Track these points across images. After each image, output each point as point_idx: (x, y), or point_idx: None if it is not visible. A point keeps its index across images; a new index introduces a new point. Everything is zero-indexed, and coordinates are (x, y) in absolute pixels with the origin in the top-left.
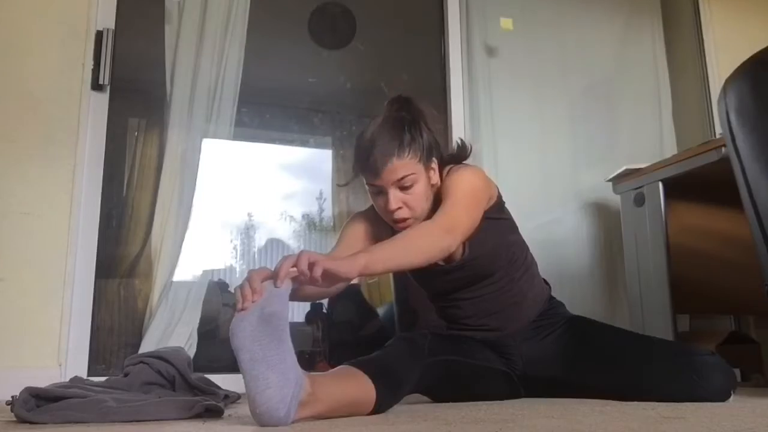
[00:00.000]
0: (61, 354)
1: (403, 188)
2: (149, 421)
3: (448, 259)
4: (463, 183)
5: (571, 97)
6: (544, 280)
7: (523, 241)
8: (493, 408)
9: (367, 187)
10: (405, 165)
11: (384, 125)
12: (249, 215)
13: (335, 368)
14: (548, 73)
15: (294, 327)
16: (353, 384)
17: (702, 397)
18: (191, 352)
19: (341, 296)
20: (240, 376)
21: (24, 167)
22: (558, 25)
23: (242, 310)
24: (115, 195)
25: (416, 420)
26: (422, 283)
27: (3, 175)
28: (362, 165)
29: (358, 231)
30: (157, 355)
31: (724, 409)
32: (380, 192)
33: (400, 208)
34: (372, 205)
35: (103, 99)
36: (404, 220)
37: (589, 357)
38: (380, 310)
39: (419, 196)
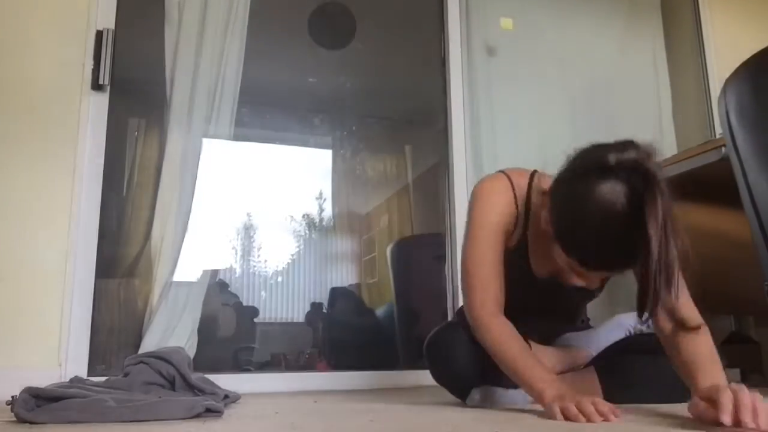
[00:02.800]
0: (61, 354)
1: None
2: (149, 421)
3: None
4: None
5: (571, 97)
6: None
7: None
8: (493, 408)
9: (572, 265)
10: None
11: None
12: (249, 215)
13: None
14: (548, 73)
15: (294, 327)
16: None
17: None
18: (191, 352)
19: (340, 297)
20: (238, 376)
21: (24, 167)
22: (558, 25)
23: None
24: (115, 195)
25: (417, 419)
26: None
27: (3, 175)
28: (598, 264)
29: (501, 231)
30: (157, 355)
31: None
32: (582, 277)
33: (590, 283)
34: (502, 182)
35: (103, 99)
36: (584, 286)
37: None
38: (380, 311)
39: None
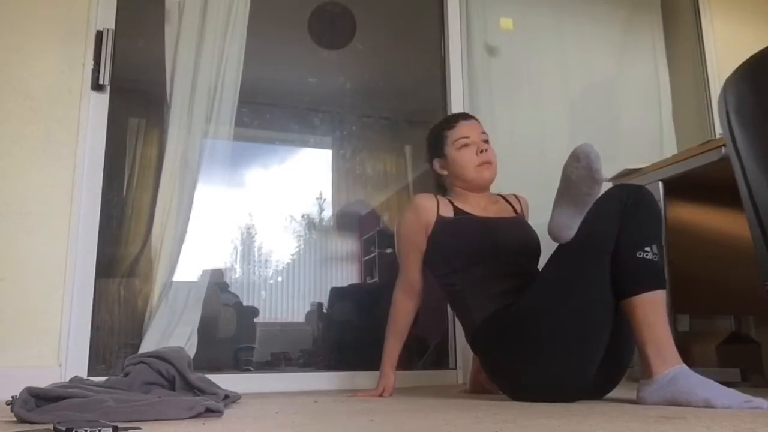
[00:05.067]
0: (61, 354)
1: (485, 141)
2: (149, 421)
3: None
4: None
5: (571, 97)
6: None
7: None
8: (493, 408)
9: (455, 145)
10: (482, 128)
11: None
12: (249, 215)
13: None
14: (548, 73)
15: (294, 327)
16: None
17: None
18: (191, 352)
19: (341, 296)
20: (238, 376)
21: (24, 167)
22: (558, 25)
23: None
24: (115, 195)
25: (417, 419)
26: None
27: (3, 175)
28: (454, 120)
29: (419, 235)
30: (157, 355)
31: (725, 410)
32: (468, 144)
33: (486, 150)
34: (412, 207)
35: (103, 99)
36: (489, 162)
37: None
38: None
39: (493, 153)
